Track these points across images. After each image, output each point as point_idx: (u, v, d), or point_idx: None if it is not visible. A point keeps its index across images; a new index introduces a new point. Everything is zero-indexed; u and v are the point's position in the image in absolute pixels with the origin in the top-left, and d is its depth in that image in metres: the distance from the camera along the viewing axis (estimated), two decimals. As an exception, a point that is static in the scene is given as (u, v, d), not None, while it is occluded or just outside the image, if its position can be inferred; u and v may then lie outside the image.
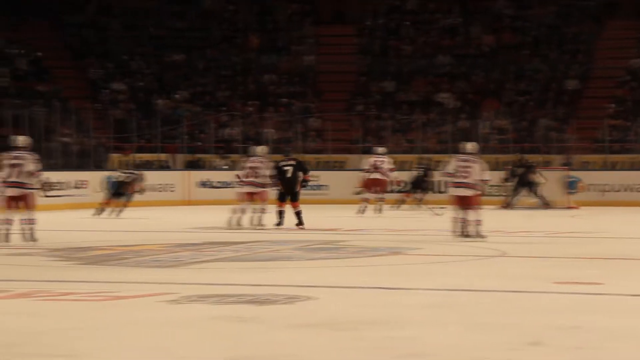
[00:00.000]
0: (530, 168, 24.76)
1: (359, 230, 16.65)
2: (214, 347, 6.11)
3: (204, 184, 27.41)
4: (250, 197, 17.11)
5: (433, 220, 18.85)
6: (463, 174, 13.95)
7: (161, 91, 33.14)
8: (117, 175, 21.59)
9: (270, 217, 16.88)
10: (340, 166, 30.26)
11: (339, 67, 34.86)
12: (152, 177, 26.88)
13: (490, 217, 21.03)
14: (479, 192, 14.18)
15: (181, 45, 34.72)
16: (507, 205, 24.43)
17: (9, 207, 13.54)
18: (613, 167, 28.47)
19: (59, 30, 34.72)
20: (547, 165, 27.11)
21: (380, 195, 22.16)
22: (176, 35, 35.06)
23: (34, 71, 32.32)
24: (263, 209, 17.01)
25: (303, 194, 25.29)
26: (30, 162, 13.52)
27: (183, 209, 24.71)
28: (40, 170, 13.84)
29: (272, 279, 9.60)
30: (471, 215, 14.04)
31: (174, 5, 36.11)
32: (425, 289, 8.93)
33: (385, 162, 22.23)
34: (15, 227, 13.56)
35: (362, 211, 21.35)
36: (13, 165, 13.49)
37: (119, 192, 21.10)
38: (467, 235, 13.95)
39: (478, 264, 11.55)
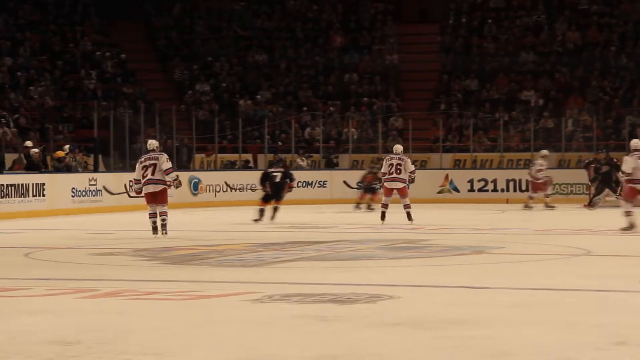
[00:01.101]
0: (615, 166, 24.40)
1: (442, 229, 16.60)
2: (298, 345, 6.16)
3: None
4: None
5: (515, 219, 18.71)
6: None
7: (244, 92, 33.42)
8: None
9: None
10: (422, 165, 30.16)
11: (421, 65, 34.78)
12: (235, 177, 27.18)
13: (574, 215, 20.84)
14: None
15: (264, 46, 34.98)
16: (590, 205, 24.10)
17: (148, 202, 15.10)
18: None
19: (145, 32, 35.27)
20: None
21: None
22: (259, 35, 35.33)
23: (120, 73, 32.87)
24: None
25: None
26: (164, 161, 14.96)
27: (266, 209, 24.81)
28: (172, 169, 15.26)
29: (354, 278, 9.64)
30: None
31: (258, 5, 36.39)
32: (509, 288, 8.87)
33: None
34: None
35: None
36: (148, 166, 14.95)
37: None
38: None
39: (562, 262, 11.43)
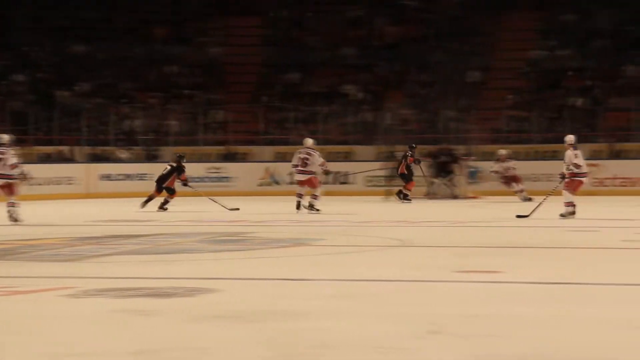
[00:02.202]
0: (453, 158, 25.04)
1: (263, 222, 16.63)
2: (116, 340, 6.03)
3: (106, 177, 27.08)
4: None
5: (336, 211, 18.95)
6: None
7: (62, 83, 32.62)
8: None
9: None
10: (244, 158, 30.20)
11: (243, 58, 34.80)
12: (52, 170, 26.50)
13: (398, 207, 21.25)
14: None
15: (83, 36, 34.23)
16: (429, 195, 24.70)
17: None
18: (511, 157, 28.92)
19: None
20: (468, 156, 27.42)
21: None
22: (79, 26, 34.54)
23: None
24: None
25: (208, 185, 25.57)
26: (9, 157, 15.67)
27: (85, 202, 24.37)
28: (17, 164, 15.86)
29: (174, 272, 9.52)
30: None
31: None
32: (329, 279, 8.95)
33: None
34: None
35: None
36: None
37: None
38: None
39: (381, 253, 11.63)
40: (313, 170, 18.82)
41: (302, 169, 18.92)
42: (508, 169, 24.32)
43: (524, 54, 33.49)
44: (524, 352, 5.61)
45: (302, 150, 19.05)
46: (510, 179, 24.26)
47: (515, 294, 7.97)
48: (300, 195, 18.89)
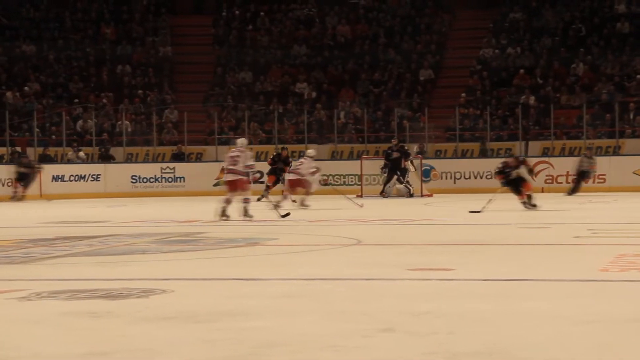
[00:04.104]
0: (405, 154, 25.12)
1: (217, 222, 16.58)
2: (67, 343, 5.99)
3: (57, 178, 26.86)
4: None
5: (290, 210, 18.94)
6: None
7: (11, 83, 32.30)
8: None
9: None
10: (197, 158, 30.13)
11: (195, 58, 34.69)
12: (3, 172, 26.24)
13: (351, 207, 21.29)
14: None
15: (31, 36, 33.92)
16: (382, 194, 24.78)
17: None
18: (464, 155, 29.18)
19: None
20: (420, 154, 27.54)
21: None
22: (26, 25, 34.23)
23: None
24: None
25: (162, 185, 25.66)
26: None
27: (35, 204, 24.16)
28: None
29: (126, 273, 9.47)
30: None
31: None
32: (282, 279, 8.95)
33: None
34: None
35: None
36: None
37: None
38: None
39: (333, 252, 11.65)
40: (240, 170, 16.95)
41: (231, 167, 16.96)
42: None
43: (475, 53, 33.71)
44: (477, 349, 5.65)
45: (233, 150, 17.34)
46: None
47: (467, 291, 8.03)
48: (228, 201, 16.83)
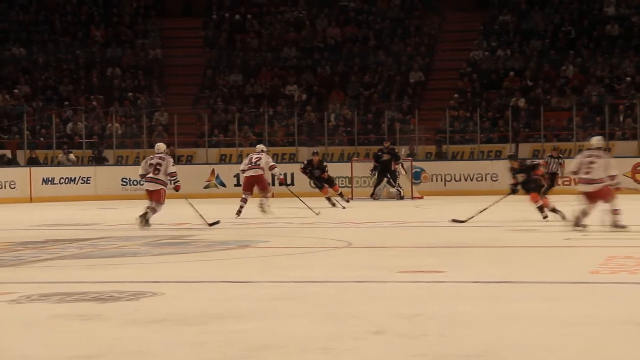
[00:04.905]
0: (395, 157, 25.13)
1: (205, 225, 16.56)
2: (57, 346, 5.98)
3: (47, 181, 26.80)
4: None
5: (280, 213, 18.95)
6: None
7: (0, 86, 32.24)
8: None
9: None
10: (188, 160, 30.10)
11: (185, 60, 34.66)
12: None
13: (341, 209, 21.29)
14: None
15: (21, 39, 33.86)
16: (373, 196, 24.78)
17: None
18: (454, 157, 29.21)
19: None
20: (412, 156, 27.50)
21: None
22: (16, 28, 34.17)
23: None
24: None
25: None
26: None
27: (25, 207, 24.12)
28: None
29: (117, 276, 9.47)
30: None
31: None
32: (273, 281, 8.96)
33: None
34: None
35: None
36: None
37: None
38: None
39: (324, 254, 11.67)
40: (162, 179, 15.56)
41: (153, 176, 15.51)
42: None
43: (464, 55, 33.76)
44: (468, 351, 5.66)
45: (154, 156, 15.74)
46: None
47: (457, 293, 8.04)
48: (153, 210, 15.49)
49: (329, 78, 33.74)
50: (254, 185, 18.31)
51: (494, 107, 31.22)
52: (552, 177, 24.11)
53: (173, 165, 15.82)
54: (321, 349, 5.76)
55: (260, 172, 18.25)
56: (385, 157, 24.97)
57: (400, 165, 25.21)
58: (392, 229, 15.45)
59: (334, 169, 27.59)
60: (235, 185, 27.27)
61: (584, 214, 13.62)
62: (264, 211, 18.11)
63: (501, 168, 26.97)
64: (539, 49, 33.12)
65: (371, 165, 25.41)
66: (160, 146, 16.06)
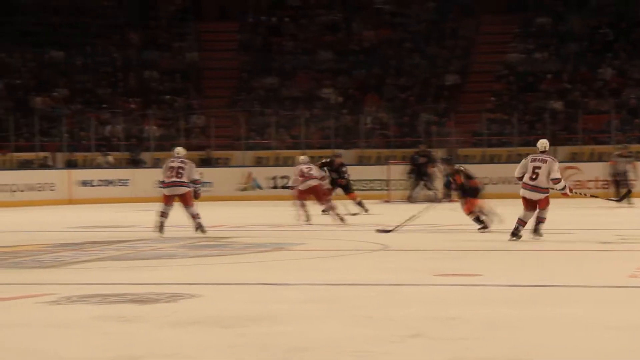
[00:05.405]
0: (431, 160, 25.09)
1: (244, 227, 16.64)
2: (96, 347, 6.04)
3: (85, 183, 27.01)
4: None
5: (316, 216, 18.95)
6: None
7: (39, 89, 32.52)
8: None
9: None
10: (224, 163, 30.20)
11: (221, 63, 34.79)
12: (33, 177, 26.42)
13: (377, 211, 21.27)
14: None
15: (60, 42, 34.15)
16: (409, 199, 24.73)
17: None
18: (491, 160, 29.09)
19: None
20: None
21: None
22: (54, 31, 34.47)
23: None
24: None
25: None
26: None
27: (64, 208, 24.31)
28: None
29: (155, 278, 9.54)
30: None
31: (47, 0, 35.48)
32: (308, 284, 8.98)
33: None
34: None
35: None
36: None
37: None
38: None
39: (361, 257, 11.67)
40: (188, 182, 14.91)
41: (177, 180, 14.87)
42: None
43: (501, 57, 33.63)
44: (505, 355, 5.65)
45: (174, 160, 15.12)
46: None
47: (494, 297, 8.03)
48: (164, 215, 14.91)
49: (365, 81, 33.73)
50: (311, 195, 17.32)
51: (531, 109, 31.08)
52: (622, 178, 22.76)
53: (196, 171, 15.30)
54: (357, 352, 5.78)
55: (316, 182, 17.36)
56: (422, 160, 24.93)
57: (436, 167, 25.15)
58: (428, 232, 15.42)
59: (370, 172, 27.61)
60: (271, 188, 27.37)
61: (522, 222, 12.96)
62: (340, 219, 17.06)
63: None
64: (576, 52, 32.93)
65: (407, 168, 25.38)
66: (180, 150, 15.41)
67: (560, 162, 18.16)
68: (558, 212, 16.19)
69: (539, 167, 12.93)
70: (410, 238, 14.24)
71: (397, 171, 26.35)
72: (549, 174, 12.90)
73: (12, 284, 9.20)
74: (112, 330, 6.58)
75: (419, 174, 24.91)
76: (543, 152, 13.30)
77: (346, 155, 27.14)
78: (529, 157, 13.28)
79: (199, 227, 14.82)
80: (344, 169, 20.39)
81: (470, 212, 14.99)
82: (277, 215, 20.19)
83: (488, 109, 30.95)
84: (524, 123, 30.31)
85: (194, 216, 14.92)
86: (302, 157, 18.25)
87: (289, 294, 8.35)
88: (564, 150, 28.82)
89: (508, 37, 34.41)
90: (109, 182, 27.13)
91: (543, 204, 12.94)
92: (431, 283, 8.87)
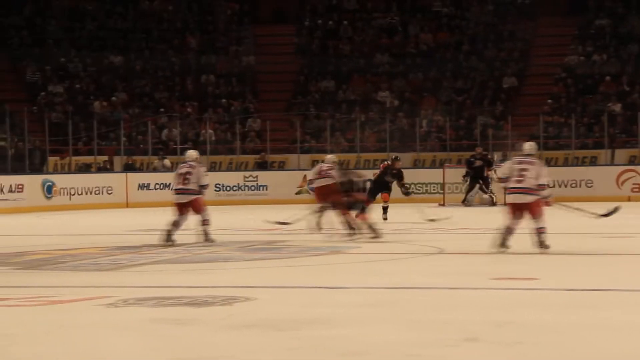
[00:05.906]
0: (487, 163, 24.95)
1: (300, 230, 16.64)
2: (153, 349, 6.09)
3: (143, 186, 27.25)
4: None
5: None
6: None
7: (99, 93, 32.88)
8: None
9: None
10: (279, 166, 30.29)
11: (277, 67, 34.87)
12: (91, 180, 26.73)
13: (431, 215, 21.18)
14: None
15: (119, 47, 34.50)
16: (465, 202, 24.62)
17: None
18: (549, 163, 28.82)
19: (-5, 32, 34.37)
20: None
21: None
22: (114, 36, 34.82)
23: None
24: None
25: (245, 194, 25.71)
26: None
27: (122, 212, 24.55)
28: None
29: (211, 281, 9.59)
30: None
31: (111, 5, 35.87)
32: (364, 287, 8.97)
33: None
34: None
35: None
36: None
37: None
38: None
39: (416, 261, 11.64)
40: (196, 189, 14.26)
41: (183, 187, 14.29)
42: None
43: (559, 60, 33.33)
44: (562, 359, 5.60)
45: (183, 165, 14.55)
46: None
47: (551, 301, 7.96)
48: (176, 224, 14.28)
49: (421, 84, 33.62)
50: (326, 195, 16.03)
51: (590, 112, 30.75)
52: None
53: (206, 176, 14.55)
54: (412, 356, 5.76)
55: (331, 181, 15.97)
56: (478, 163, 24.80)
57: (493, 171, 24.99)
58: (484, 235, 15.31)
59: (426, 175, 27.53)
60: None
61: (509, 231, 12.00)
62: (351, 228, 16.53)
63: (597, 174, 26.60)
64: (636, 53, 32.53)
65: (463, 171, 25.26)
66: (192, 154, 14.64)
67: (618, 165, 17.61)
68: (618, 215, 16.00)
69: (526, 170, 12.03)
70: (466, 241, 14.17)
71: (453, 174, 26.24)
72: (537, 177, 12.02)
73: (70, 287, 9.31)
74: (168, 332, 6.63)
75: (475, 177, 24.78)
76: (529, 154, 12.36)
77: (402, 158, 27.06)
78: (514, 159, 12.52)
79: (205, 235, 14.24)
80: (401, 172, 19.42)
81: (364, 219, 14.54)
82: (333, 218, 20.17)
83: (545, 112, 30.68)
84: (581, 126, 30.00)
85: (203, 222, 14.32)
86: (329, 156, 17.18)
87: (344, 297, 8.35)
88: (622, 153, 28.47)
89: (566, 40, 34.10)
90: (165, 186, 27.32)
91: (535, 213, 11.99)
92: (487, 287, 8.81)
